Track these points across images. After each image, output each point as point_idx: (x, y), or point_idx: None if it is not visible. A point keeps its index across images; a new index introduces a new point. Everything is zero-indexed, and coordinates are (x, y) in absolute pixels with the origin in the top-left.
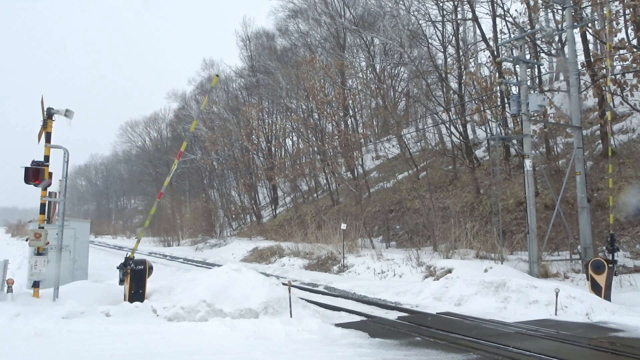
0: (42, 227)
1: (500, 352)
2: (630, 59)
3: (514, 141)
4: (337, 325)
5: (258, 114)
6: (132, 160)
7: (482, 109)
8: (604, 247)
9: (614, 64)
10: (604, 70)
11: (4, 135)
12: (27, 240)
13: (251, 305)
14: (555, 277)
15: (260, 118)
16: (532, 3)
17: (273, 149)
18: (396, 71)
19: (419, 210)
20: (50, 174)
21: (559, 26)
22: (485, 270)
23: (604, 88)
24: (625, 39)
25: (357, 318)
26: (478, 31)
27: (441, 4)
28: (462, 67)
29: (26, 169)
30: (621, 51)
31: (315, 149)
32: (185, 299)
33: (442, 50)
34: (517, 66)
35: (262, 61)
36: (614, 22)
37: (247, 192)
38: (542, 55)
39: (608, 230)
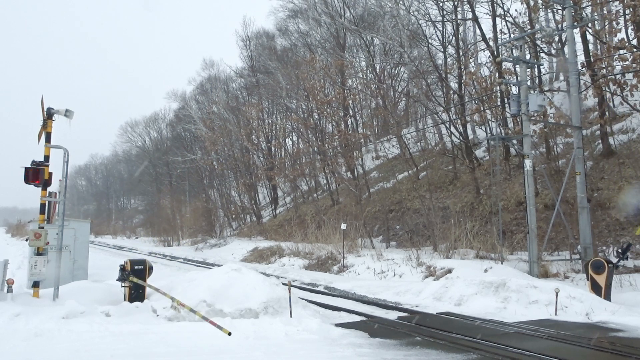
0: (42, 227)
1: (500, 352)
2: (630, 59)
3: (514, 141)
4: (337, 325)
5: (258, 114)
6: (132, 160)
7: (482, 109)
8: (616, 249)
9: (614, 64)
10: (604, 70)
11: (4, 135)
12: (27, 240)
13: (251, 305)
14: (555, 277)
15: (260, 118)
16: (532, 3)
17: (273, 149)
18: (396, 71)
19: (419, 210)
20: (50, 174)
21: (559, 26)
22: (485, 270)
23: (604, 88)
24: (625, 39)
25: (357, 318)
26: (478, 31)
27: (441, 4)
28: (462, 67)
29: (26, 169)
30: (621, 51)
31: (315, 149)
32: (186, 299)
33: (442, 50)
34: (517, 66)
35: (262, 61)
36: (614, 22)
37: (247, 192)
38: (542, 55)
39: (608, 230)
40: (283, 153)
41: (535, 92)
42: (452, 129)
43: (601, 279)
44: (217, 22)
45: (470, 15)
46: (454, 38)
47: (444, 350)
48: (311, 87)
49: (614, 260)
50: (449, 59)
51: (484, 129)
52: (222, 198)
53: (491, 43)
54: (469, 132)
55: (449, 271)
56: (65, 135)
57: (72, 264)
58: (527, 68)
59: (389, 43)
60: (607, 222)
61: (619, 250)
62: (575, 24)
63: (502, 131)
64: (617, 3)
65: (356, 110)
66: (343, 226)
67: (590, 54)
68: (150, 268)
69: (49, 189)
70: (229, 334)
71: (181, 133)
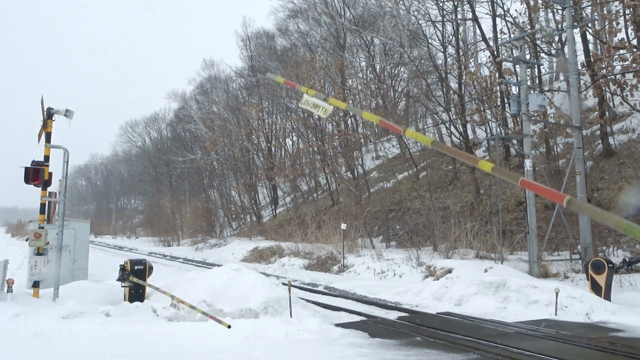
0: (42, 227)
1: (500, 352)
2: (630, 59)
3: (514, 141)
4: (337, 325)
5: (258, 114)
6: (132, 160)
7: (482, 109)
8: (624, 257)
9: (614, 64)
10: (604, 70)
11: (4, 135)
12: (27, 240)
13: (251, 305)
14: (555, 277)
15: (260, 118)
16: (532, 3)
17: (273, 149)
18: (396, 71)
19: (419, 210)
20: (50, 174)
21: (559, 26)
22: (485, 270)
23: (604, 88)
24: (625, 39)
25: (357, 318)
26: (478, 31)
27: (441, 4)
28: (462, 67)
29: (26, 169)
30: (621, 51)
31: (315, 149)
32: (186, 299)
33: (442, 50)
34: (517, 66)
35: (262, 61)
36: (614, 22)
37: (247, 192)
38: (542, 55)
39: (608, 230)
40: (283, 153)
41: (535, 92)
42: (452, 129)
43: (601, 279)
44: (217, 22)
45: (470, 15)
46: (454, 38)
47: (444, 350)
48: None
49: (614, 261)
50: (449, 59)
51: (484, 129)
52: (222, 198)
53: (491, 43)
54: (469, 132)
55: (449, 271)
56: (65, 135)
57: (72, 264)
58: (527, 68)
59: (389, 43)
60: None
61: (626, 260)
62: (575, 24)
63: (502, 131)
64: (617, 3)
65: None
66: (343, 226)
67: (590, 54)
68: (150, 268)
69: (49, 189)
70: (229, 326)
71: (181, 133)
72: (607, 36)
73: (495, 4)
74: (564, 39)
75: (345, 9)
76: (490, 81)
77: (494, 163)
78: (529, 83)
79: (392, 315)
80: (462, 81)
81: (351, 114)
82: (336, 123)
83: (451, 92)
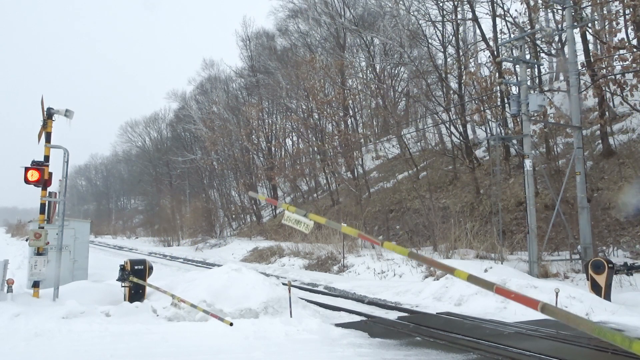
0: (42, 227)
1: (500, 352)
2: (630, 59)
3: (514, 141)
4: (337, 325)
5: (258, 114)
6: (132, 160)
7: (482, 109)
8: (626, 262)
9: (614, 64)
10: (604, 70)
11: (4, 135)
12: (27, 240)
13: (251, 305)
14: (555, 277)
15: (260, 118)
16: (532, 3)
17: (273, 149)
18: (396, 71)
19: (419, 210)
20: (50, 174)
21: (559, 26)
22: (485, 270)
23: (604, 88)
24: (625, 39)
25: (357, 318)
26: (478, 31)
27: (441, 4)
28: (462, 67)
29: (26, 169)
30: (621, 51)
31: (315, 149)
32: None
33: (442, 50)
34: (517, 66)
35: (262, 61)
36: (614, 22)
37: (247, 192)
38: (542, 55)
39: (608, 230)
40: (283, 153)
41: (535, 92)
42: (452, 129)
43: (601, 279)
44: (217, 22)
45: (470, 15)
46: (454, 38)
47: (444, 350)
48: (311, 87)
49: (614, 261)
50: (449, 59)
51: (484, 129)
52: (222, 198)
53: (491, 43)
54: (469, 132)
55: None
56: (65, 135)
57: (72, 264)
58: (527, 68)
59: (389, 43)
60: (607, 222)
61: (627, 264)
62: (575, 24)
63: (502, 131)
64: (617, 3)
65: (356, 110)
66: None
67: (590, 54)
68: (150, 268)
69: (49, 189)
70: (231, 324)
71: (181, 133)
72: (607, 36)
73: (495, 4)
74: (564, 39)
75: (345, 9)
76: (490, 81)
77: (494, 163)
78: (529, 83)
79: (392, 315)
80: (462, 81)
81: (351, 114)
82: (336, 123)
83: (451, 92)
